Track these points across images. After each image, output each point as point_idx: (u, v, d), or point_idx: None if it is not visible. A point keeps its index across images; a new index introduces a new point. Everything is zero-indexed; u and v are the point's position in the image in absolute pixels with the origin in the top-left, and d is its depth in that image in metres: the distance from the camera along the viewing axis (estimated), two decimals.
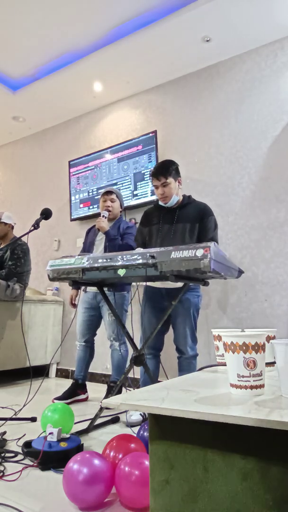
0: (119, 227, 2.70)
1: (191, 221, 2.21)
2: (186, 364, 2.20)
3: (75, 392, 2.65)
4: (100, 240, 2.74)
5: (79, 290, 2.87)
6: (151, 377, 1.98)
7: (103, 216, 2.61)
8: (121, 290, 2.68)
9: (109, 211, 2.70)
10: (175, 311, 2.19)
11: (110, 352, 2.71)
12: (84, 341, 2.69)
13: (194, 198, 2.36)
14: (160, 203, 2.31)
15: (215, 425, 0.73)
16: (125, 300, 2.71)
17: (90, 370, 3.24)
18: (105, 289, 2.62)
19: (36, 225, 2.21)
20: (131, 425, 2.09)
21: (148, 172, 3.37)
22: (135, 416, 2.14)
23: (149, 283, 2.25)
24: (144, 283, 2.38)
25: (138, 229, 2.42)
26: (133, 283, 2.90)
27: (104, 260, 1.76)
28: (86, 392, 2.73)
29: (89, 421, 2.00)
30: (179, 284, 2.14)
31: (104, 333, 2.89)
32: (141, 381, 2.24)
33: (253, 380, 0.85)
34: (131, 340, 2.03)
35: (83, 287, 2.88)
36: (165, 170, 2.21)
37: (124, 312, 2.70)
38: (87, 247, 2.79)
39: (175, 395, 0.87)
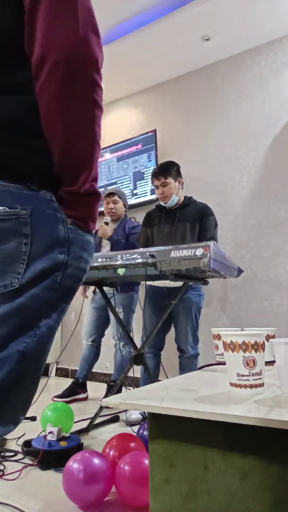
0: (124, 227, 2.70)
1: (192, 220, 2.22)
2: (187, 364, 2.20)
3: (75, 391, 2.65)
4: (106, 241, 2.73)
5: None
6: (151, 376, 1.98)
7: (104, 222, 2.62)
8: (129, 291, 2.68)
9: (112, 213, 2.71)
10: (177, 310, 2.19)
11: (114, 351, 2.71)
12: (91, 340, 2.70)
13: (194, 198, 2.38)
14: (161, 203, 2.32)
15: (214, 424, 0.73)
16: (133, 301, 2.71)
17: None
18: (114, 289, 2.61)
19: None
20: (131, 424, 2.09)
21: (148, 171, 3.37)
22: (135, 415, 2.15)
23: (151, 282, 2.25)
24: (145, 282, 2.39)
25: (140, 230, 2.45)
26: (142, 282, 2.89)
27: (104, 259, 1.76)
28: (86, 391, 2.73)
29: (89, 420, 2.00)
30: (181, 283, 2.14)
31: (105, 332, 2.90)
32: (141, 380, 2.24)
33: (253, 379, 0.85)
34: (131, 340, 2.03)
35: (92, 289, 2.86)
36: (165, 170, 2.26)
37: (131, 313, 2.70)
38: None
39: (174, 394, 0.87)
